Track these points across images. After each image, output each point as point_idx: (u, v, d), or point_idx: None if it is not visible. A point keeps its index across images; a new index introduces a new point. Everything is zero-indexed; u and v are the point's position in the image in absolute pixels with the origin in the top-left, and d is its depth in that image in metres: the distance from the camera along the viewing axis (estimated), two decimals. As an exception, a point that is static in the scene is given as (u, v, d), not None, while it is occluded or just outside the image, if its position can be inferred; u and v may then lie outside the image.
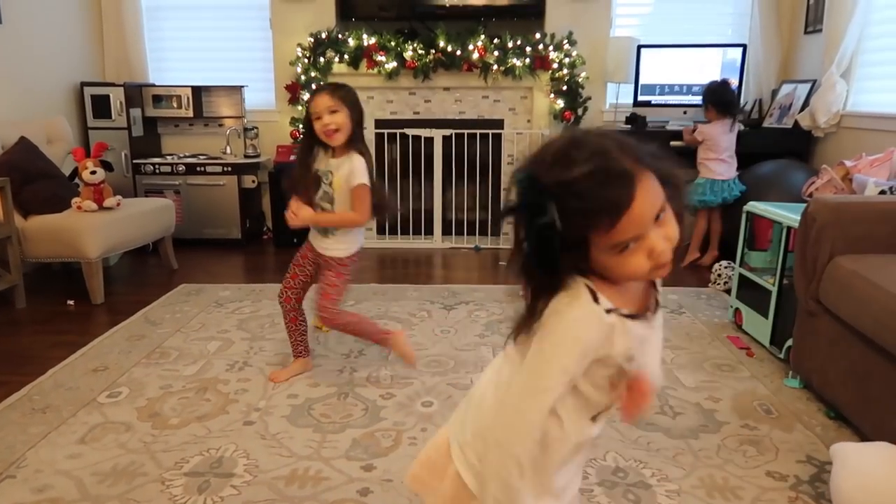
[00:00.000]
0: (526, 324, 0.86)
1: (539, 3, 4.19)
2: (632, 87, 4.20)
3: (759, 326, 2.56)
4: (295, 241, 4.21)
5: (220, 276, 3.63)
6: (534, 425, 0.87)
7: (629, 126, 4.13)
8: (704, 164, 3.69)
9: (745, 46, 4.12)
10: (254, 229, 4.49)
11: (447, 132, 4.26)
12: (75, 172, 3.28)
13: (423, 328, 2.80)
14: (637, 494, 1.63)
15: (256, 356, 2.51)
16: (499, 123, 4.38)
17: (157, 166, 4.23)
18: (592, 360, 0.85)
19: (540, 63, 4.12)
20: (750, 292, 2.67)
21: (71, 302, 3.15)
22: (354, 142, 2.14)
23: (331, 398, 2.16)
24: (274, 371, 2.34)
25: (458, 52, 4.09)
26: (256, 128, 4.42)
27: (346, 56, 4.15)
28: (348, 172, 2.11)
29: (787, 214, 2.38)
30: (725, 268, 3.32)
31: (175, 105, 4.38)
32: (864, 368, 1.81)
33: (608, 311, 0.83)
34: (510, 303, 0.91)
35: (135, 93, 4.29)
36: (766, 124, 4.08)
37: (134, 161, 4.23)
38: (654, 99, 4.20)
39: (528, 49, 4.09)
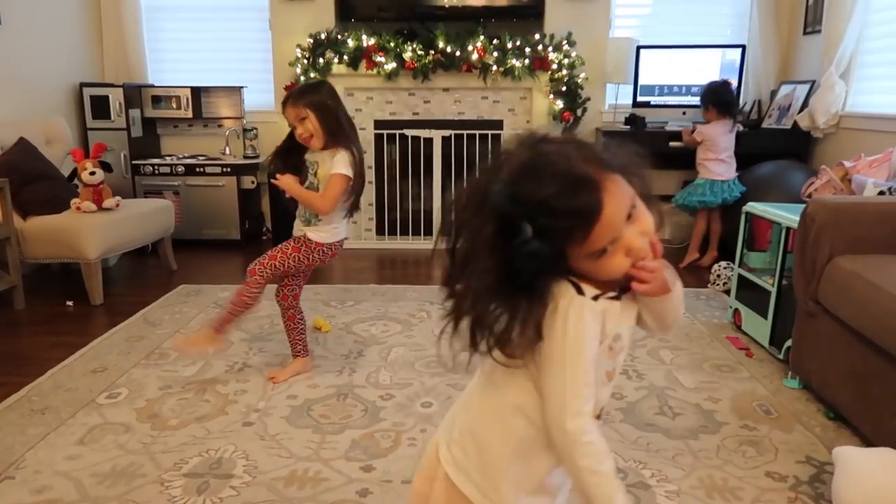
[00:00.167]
0: (516, 337, 0.84)
1: (538, 4, 4.19)
2: (631, 87, 4.20)
3: (759, 327, 2.56)
4: (294, 241, 4.23)
5: (220, 277, 3.63)
6: (579, 427, 0.85)
7: (628, 127, 4.13)
8: (703, 164, 3.69)
9: (744, 47, 4.12)
10: (253, 230, 4.49)
11: (446, 133, 4.26)
12: (74, 173, 3.28)
13: (423, 329, 2.80)
14: (636, 495, 1.63)
15: (256, 357, 2.51)
16: (498, 124, 4.38)
17: (156, 167, 4.23)
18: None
19: (539, 64, 4.12)
20: (749, 293, 2.67)
21: (70, 303, 3.15)
22: (336, 138, 2.14)
23: (330, 399, 2.16)
24: (273, 371, 2.34)
25: (458, 53, 4.09)
26: (256, 129, 4.42)
27: (345, 57, 4.15)
28: (331, 164, 2.14)
29: (787, 215, 2.38)
30: (725, 268, 3.32)
31: (174, 106, 4.38)
32: (864, 369, 1.81)
33: (595, 298, 0.84)
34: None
35: (134, 93, 4.29)
36: (765, 125, 4.08)
37: (133, 162, 4.23)
38: (654, 100, 4.20)
39: (528, 50, 4.09)
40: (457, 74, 4.19)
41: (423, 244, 4.39)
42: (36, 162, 3.32)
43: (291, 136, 2.20)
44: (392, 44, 4.11)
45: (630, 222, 0.81)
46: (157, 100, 4.37)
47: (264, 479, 1.71)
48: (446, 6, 4.15)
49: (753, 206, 2.68)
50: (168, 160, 4.29)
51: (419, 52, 4.11)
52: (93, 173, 3.24)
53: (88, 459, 1.79)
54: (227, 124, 4.51)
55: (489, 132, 4.31)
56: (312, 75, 4.15)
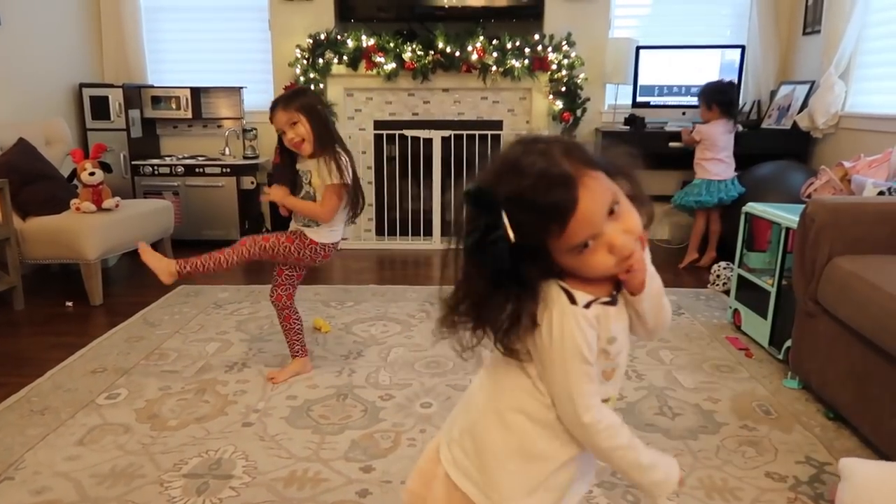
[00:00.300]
0: (511, 336, 0.87)
1: (538, 5, 4.19)
2: (630, 88, 4.20)
3: (758, 327, 2.56)
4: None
5: (219, 278, 3.62)
6: (592, 418, 0.88)
7: (628, 127, 4.13)
8: (701, 164, 3.69)
9: (743, 47, 4.13)
10: (253, 230, 4.48)
11: (446, 133, 4.26)
12: (74, 174, 3.27)
13: (423, 329, 2.80)
14: (636, 495, 1.63)
15: (255, 357, 2.51)
16: (498, 125, 4.39)
17: (155, 167, 4.23)
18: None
19: (539, 64, 4.12)
20: (749, 293, 2.67)
21: (69, 303, 3.15)
22: (326, 143, 2.14)
23: (330, 399, 2.16)
24: (272, 371, 2.33)
25: (457, 54, 4.10)
26: (255, 129, 4.41)
27: (344, 57, 4.15)
28: (326, 172, 2.13)
29: (786, 215, 2.38)
30: (724, 269, 3.32)
31: (174, 106, 4.38)
32: (863, 369, 1.81)
33: (587, 306, 0.86)
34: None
35: (133, 94, 4.29)
36: (764, 125, 4.08)
37: (133, 162, 4.23)
38: (653, 100, 4.21)
39: (527, 50, 4.09)
40: (456, 75, 4.19)
41: (422, 245, 4.39)
42: (35, 162, 3.32)
43: (281, 149, 2.19)
44: (392, 44, 4.11)
45: (613, 220, 0.82)
46: (156, 100, 4.38)
47: (264, 479, 1.71)
48: (446, 6, 4.15)
49: (753, 207, 2.68)
50: (167, 161, 4.29)
51: (419, 53, 4.11)
52: (92, 174, 3.23)
53: (88, 460, 1.79)
54: (227, 125, 4.52)
55: (489, 132, 4.31)
56: (312, 76, 4.15)
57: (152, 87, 4.45)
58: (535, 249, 0.81)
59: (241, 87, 4.46)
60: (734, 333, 2.73)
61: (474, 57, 4.09)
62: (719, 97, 3.63)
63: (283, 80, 4.33)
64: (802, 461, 1.79)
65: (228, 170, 4.23)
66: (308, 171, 2.18)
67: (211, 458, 1.80)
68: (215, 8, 4.49)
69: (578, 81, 4.14)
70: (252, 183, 4.32)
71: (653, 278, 0.91)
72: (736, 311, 2.77)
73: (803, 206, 2.16)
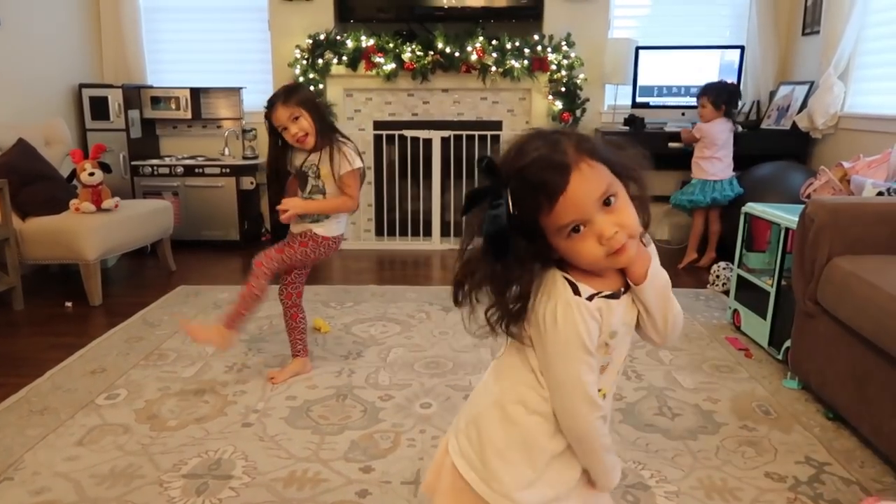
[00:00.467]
0: (513, 321, 0.90)
1: (537, 5, 4.19)
2: (630, 88, 4.20)
3: (758, 327, 2.57)
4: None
5: (219, 278, 3.63)
6: (591, 403, 0.91)
7: (627, 127, 4.14)
8: (698, 162, 3.69)
9: (742, 48, 4.13)
10: (252, 231, 4.49)
11: (446, 134, 4.26)
12: (73, 174, 3.27)
13: (422, 329, 2.80)
14: (636, 496, 1.63)
15: (255, 358, 2.50)
16: (497, 125, 4.39)
17: (155, 168, 4.23)
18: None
19: (538, 64, 4.12)
20: (748, 293, 2.67)
21: (69, 304, 3.15)
22: (327, 134, 2.15)
23: (329, 400, 2.16)
24: (272, 371, 2.33)
25: (457, 54, 4.10)
26: (255, 129, 4.41)
27: (344, 57, 4.15)
28: (337, 162, 2.14)
29: (786, 216, 2.38)
30: (724, 269, 3.32)
31: (173, 107, 4.38)
32: (863, 369, 1.81)
33: (590, 298, 0.88)
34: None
35: (133, 94, 4.29)
36: (764, 126, 4.08)
37: (132, 163, 4.23)
38: (653, 100, 4.21)
39: (527, 51, 4.09)
40: (456, 75, 4.19)
41: (422, 245, 4.39)
42: (35, 163, 3.32)
43: (276, 152, 2.18)
44: (391, 44, 4.11)
45: (607, 212, 0.85)
46: (156, 101, 4.37)
47: (263, 479, 1.70)
48: (445, 7, 4.15)
49: (752, 207, 2.68)
50: (167, 161, 4.29)
51: (418, 53, 4.11)
52: (92, 174, 3.23)
53: (87, 460, 1.79)
54: (227, 125, 4.52)
55: (488, 133, 4.31)
56: (311, 76, 4.15)
57: (152, 87, 4.45)
58: (531, 227, 0.85)
59: (241, 88, 4.46)
60: (734, 334, 2.73)
61: (474, 57, 4.09)
62: (727, 97, 3.63)
63: (283, 80, 4.32)
64: (802, 461, 1.79)
65: (228, 170, 4.23)
66: (314, 164, 2.17)
67: (210, 458, 1.80)
68: (215, 8, 4.49)
69: (578, 82, 4.14)
70: (251, 183, 4.32)
71: (657, 273, 0.92)
72: (735, 312, 2.77)
73: (803, 206, 2.16)
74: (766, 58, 4.19)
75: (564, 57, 4.11)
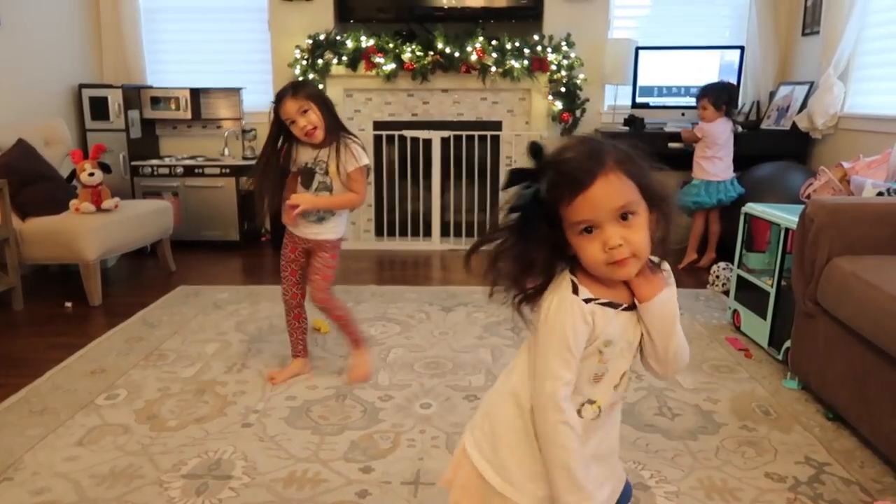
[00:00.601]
0: (526, 302, 0.95)
1: (537, 5, 4.19)
2: (630, 88, 4.20)
3: (758, 328, 2.57)
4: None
5: (219, 278, 3.63)
6: (555, 405, 0.93)
7: (627, 128, 4.14)
8: (699, 162, 3.69)
9: (742, 48, 4.13)
10: (252, 231, 4.49)
11: (445, 134, 4.26)
12: (73, 174, 3.27)
13: (422, 330, 2.80)
14: (636, 496, 1.63)
15: (254, 358, 2.50)
16: (497, 125, 4.39)
17: (155, 168, 4.23)
18: (585, 345, 0.93)
19: (538, 65, 4.12)
20: (748, 294, 2.67)
21: (69, 304, 3.15)
22: (335, 130, 2.15)
23: (329, 400, 2.16)
24: (272, 372, 2.33)
25: (457, 54, 4.10)
26: (255, 130, 4.41)
27: (344, 58, 4.15)
28: (345, 159, 2.14)
29: (785, 216, 2.38)
30: (724, 269, 3.32)
31: (173, 107, 4.38)
32: (863, 369, 1.81)
33: (587, 301, 0.92)
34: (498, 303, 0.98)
35: (133, 95, 4.29)
36: (763, 126, 4.08)
37: (132, 163, 4.23)
38: (653, 101, 4.21)
39: (527, 51, 4.09)
40: (456, 75, 4.19)
41: (422, 245, 4.39)
42: (35, 163, 3.32)
43: (272, 147, 2.16)
44: (391, 45, 4.12)
45: (621, 225, 0.88)
46: (155, 101, 4.37)
47: (263, 480, 1.70)
48: (445, 7, 4.16)
49: (752, 207, 2.68)
50: (167, 161, 4.29)
51: (418, 53, 4.11)
52: (92, 174, 3.23)
53: (87, 461, 1.79)
54: (226, 125, 4.52)
55: (488, 133, 4.31)
56: (311, 76, 4.15)
57: (151, 87, 4.45)
58: (553, 214, 0.90)
59: (241, 88, 4.46)
60: (733, 334, 2.73)
61: (473, 57, 4.09)
62: (727, 97, 3.63)
63: (283, 80, 4.27)
64: (802, 461, 1.79)
65: (228, 170, 4.23)
66: (322, 161, 2.16)
67: (210, 458, 1.80)
68: (214, 9, 4.49)
69: (578, 82, 4.14)
70: (251, 184, 4.31)
71: (667, 300, 0.94)
72: (735, 312, 2.77)
73: (802, 206, 2.16)
74: (766, 58, 4.19)
75: (564, 57, 4.11)
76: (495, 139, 4.34)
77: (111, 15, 4.39)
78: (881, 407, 1.72)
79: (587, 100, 4.19)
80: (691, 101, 3.97)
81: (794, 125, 3.83)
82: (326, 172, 2.17)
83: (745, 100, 4.26)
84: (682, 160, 3.83)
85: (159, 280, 3.60)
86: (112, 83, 4.34)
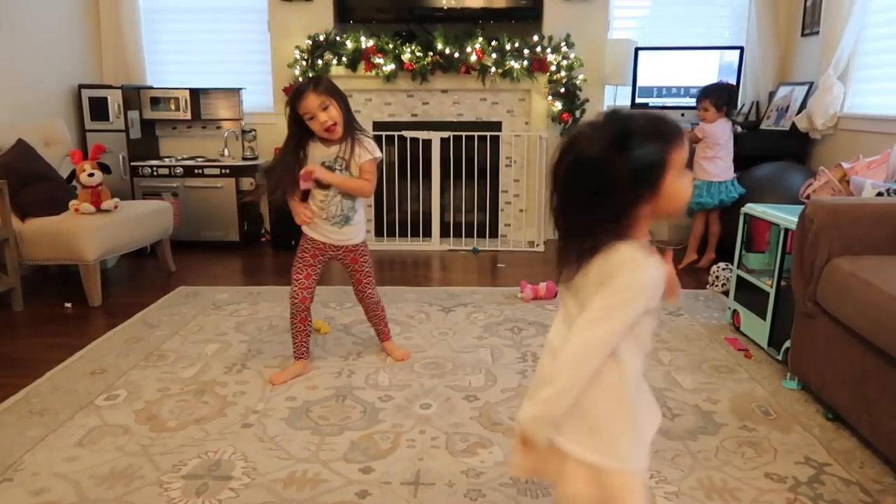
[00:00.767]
0: (583, 262, 1.00)
1: (537, 6, 4.20)
2: (629, 89, 4.21)
3: (757, 328, 2.57)
4: (293, 243, 4.22)
5: (218, 279, 3.63)
6: (601, 353, 0.98)
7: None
8: (700, 163, 3.69)
9: (742, 49, 4.13)
10: (252, 232, 4.49)
11: (445, 134, 4.26)
12: (73, 175, 3.27)
13: (422, 330, 2.80)
14: (636, 496, 1.63)
15: (254, 359, 2.50)
16: (497, 126, 4.39)
17: (154, 168, 4.23)
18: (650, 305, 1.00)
19: (538, 65, 4.13)
20: (748, 294, 2.67)
21: (68, 304, 3.15)
22: (351, 125, 2.17)
23: (329, 400, 2.16)
24: (273, 374, 2.33)
25: (456, 55, 4.10)
26: (254, 130, 4.42)
27: (343, 58, 4.15)
28: (358, 153, 2.17)
29: (785, 216, 2.38)
30: (723, 270, 3.32)
31: (173, 107, 4.38)
32: (862, 370, 1.81)
33: None
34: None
35: (132, 95, 4.29)
36: (763, 126, 4.09)
37: (132, 163, 4.23)
38: (652, 101, 4.21)
39: (526, 51, 4.10)
40: (455, 76, 4.20)
41: (421, 245, 4.39)
42: (34, 163, 3.32)
43: (294, 140, 2.17)
44: (391, 45, 4.12)
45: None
46: (155, 101, 4.38)
47: (263, 480, 1.70)
48: (445, 8, 4.16)
49: (752, 208, 2.69)
50: (167, 162, 4.29)
51: (418, 54, 4.12)
52: (91, 175, 3.24)
53: (87, 461, 1.79)
54: (226, 126, 4.52)
55: (488, 134, 4.32)
56: (311, 77, 4.15)
57: (151, 88, 4.45)
58: (663, 166, 0.97)
59: (240, 89, 4.46)
60: (733, 334, 2.73)
61: (473, 58, 4.09)
62: (727, 98, 3.64)
63: (283, 81, 4.33)
64: (802, 462, 1.79)
65: (227, 171, 4.23)
66: (340, 156, 2.17)
67: (210, 459, 1.80)
68: (214, 9, 4.49)
69: (577, 82, 4.15)
70: (251, 184, 4.32)
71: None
72: (735, 312, 2.77)
73: (802, 206, 2.16)
74: (766, 58, 4.19)
75: (564, 58, 4.12)
76: (495, 140, 4.34)
77: (111, 15, 4.39)
78: (881, 407, 1.73)
79: (587, 100, 4.19)
80: (691, 102, 3.97)
81: (793, 125, 3.83)
82: (346, 167, 2.19)
83: (744, 100, 4.26)
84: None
85: (159, 280, 3.60)
86: (112, 83, 4.34)
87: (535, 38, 4.12)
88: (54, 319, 2.99)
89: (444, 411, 2.08)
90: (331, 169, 2.18)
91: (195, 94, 4.40)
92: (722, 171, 3.65)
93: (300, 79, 4.17)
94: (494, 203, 4.50)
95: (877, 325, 1.71)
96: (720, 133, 3.62)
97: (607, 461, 1.03)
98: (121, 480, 1.70)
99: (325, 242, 2.27)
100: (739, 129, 3.85)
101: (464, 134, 4.28)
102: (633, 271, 0.97)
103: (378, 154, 2.22)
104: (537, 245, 4.34)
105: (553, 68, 4.12)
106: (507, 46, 4.10)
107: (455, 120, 4.38)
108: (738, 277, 2.75)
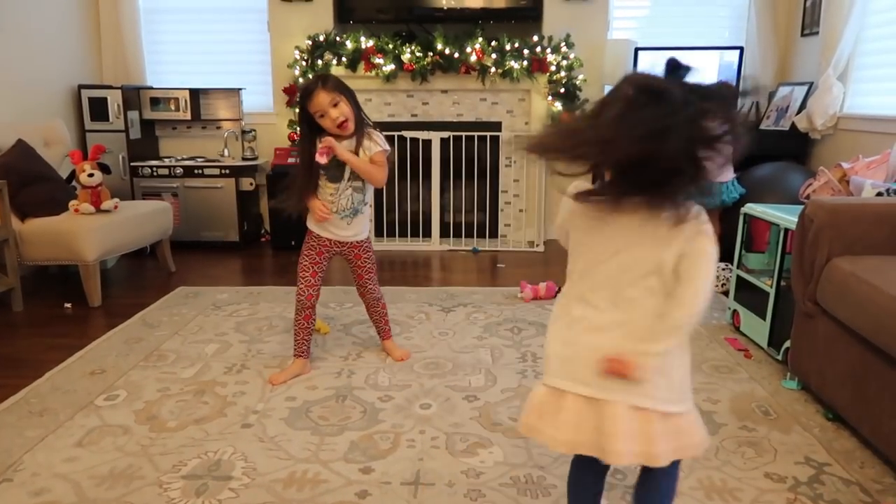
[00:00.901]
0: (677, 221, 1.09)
1: (536, 6, 4.20)
2: (629, 89, 4.20)
3: (757, 328, 2.57)
4: (293, 243, 4.23)
5: (218, 279, 3.63)
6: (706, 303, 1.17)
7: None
8: None
9: (741, 49, 4.13)
10: (251, 232, 4.49)
11: (445, 134, 4.26)
12: (73, 175, 3.27)
13: (422, 330, 2.80)
14: (636, 496, 1.63)
15: (254, 359, 2.50)
16: (496, 126, 4.39)
17: (154, 169, 4.23)
18: None
19: (537, 65, 4.13)
20: (748, 294, 2.67)
21: (68, 305, 3.15)
22: (362, 121, 2.21)
23: (329, 400, 2.16)
24: (273, 374, 2.33)
25: (456, 55, 4.10)
26: (254, 130, 4.42)
27: (343, 58, 4.15)
28: (369, 146, 2.19)
29: (785, 216, 2.38)
30: (723, 270, 3.32)
31: (173, 107, 4.38)
32: (862, 370, 1.81)
33: None
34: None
35: (132, 95, 4.29)
36: (763, 126, 4.09)
37: (131, 164, 4.23)
38: (652, 101, 4.20)
39: (526, 51, 4.10)
40: (455, 76, 4.20)
41: (421, 246, 4.39)
42: (34, 164, 3.32)
43: (307, 139, 2.18)
44: (390, 45, 4.12)
45: None
46: (155, 101, 4.38)
47: (263, 480, 1.70)
48: (444, 8, 4.16)
49: (752, 208, 2.69)
50: (166, 162, 4.29)
51: (418, 54, 4.12)
52: (91, 175, 3.24)
53: (87, 461, 1.79)
54: (226, 126, 4.52)
55: (487, 134, 4.32)
56: (311, 77, 4.15)
57: (151, 88, 4.45)
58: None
59: (240, 89, 4.46)
60: (733, 334, 2.73)
61: (473, 58, 4.10)
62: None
63: (283, 81, 4.33)
64: (802, 462, 1.79)
65: (227, 171, 4.23)
66: (352, 150, 2.19)
67: (210, 459, 1.80)
68: (214, 9, 4.49)
69: (577, 83, 4.15)
70: (251, 184, 4.33)
71: None
72: (735, 312, 2.77)
73: (802, 207, 2.16)
74: (766, 58, 4.19)
75: (564, 58, 4.12)
76: (495, 140, 4.34)
77: (111, 15, 4.39)
78: (881, 407, 1.72)
79: (587, 100, 4.19)
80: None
81: (793, 125, 3.83)
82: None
83: (744, 100, 4.26)
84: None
85: (159, 281, 3.60)
86: (111, 84, 4.34)
87: (535, 38, 4.12)
88: (54, 320, 2.99)
89: (444, 411, 2.08)
90: (341, 165, 2.20)
91: (195, 94, 4.40)
92: (720, 171, 3.64)
93: (300, 79, 4.18)
94: (494, 203, 4.50)
95: (877, 325, 1.71)
96: None
97: (680, 407, 1.19)
98: (121, 481, 1.70)
99: (331, 239, 2.29)
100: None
101: (463, 134, 4.28)
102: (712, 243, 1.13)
103: (387, 146, 2.23)
104: (537, 245, 4.34)
105: (553, 68, 4.12)
106: (507, 47, 4.10)
107: (455, 120, 4.39)
108: (738, 277, 2.75)
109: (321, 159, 2.12)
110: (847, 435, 1.92)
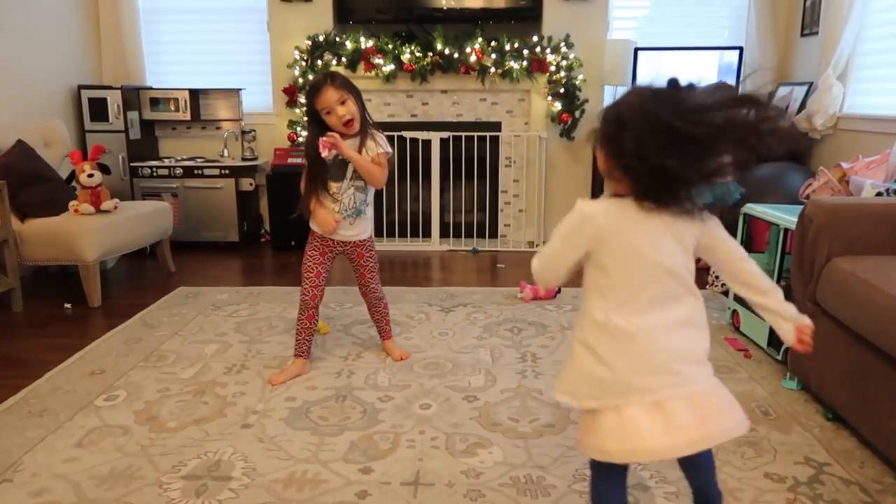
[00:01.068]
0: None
1: (536, 6, 4.20)
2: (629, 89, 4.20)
3: (757, 328, 2.57)
4: (292, 243, 4.23)
5: (218, 279, 3.63)
6: None
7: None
8: None
9: (741, 49, 4.13)
10: (251, 232, 4.49)
11: (445, 135, 4.26)
12: (72, 175, 3.28)
13: (421, 330, 2.80)
14: (635, 496, 1.63)
15: (254, 359, 2.50)
16: (496, 126, 4.39)
17: (154, 169, 4.23)
18: None
19: (537, 66, 4.13)
20: (747, 294, 2.66)
21: (68, 305, 3.15)
22: (366, 121, 2.21)
23: (329, 401, 2.16)
24: (273, 374, 2.33)
25: (456, 55, 4.10)
26: (254, 131, 4.42)
27: (343, 59, 4.15)
28: (371, 147, 2.19)
29: (785, 216, 2.38)
30: (723, 270, 3.31)
31: (172, 108, 4.38)
32: (862, 369, 1.81)
33: None
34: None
35: (132, 96, 4.29)
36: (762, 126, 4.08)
37: (131, 164, 4.23)
38: (652, 101, 4.20)
39: (526, 52, 4.10)
40: (455, 76, 4.20)
41: (421, 246, 4.39)
42: (34, 164, 3.32)
43: (313, 136, 2.17)
44: (390, 46, 4.12)
45: None
46: (155, 102, 4.38)
47: (263, 481, 1.70)
48: (444, 8, 4.16)
49: (751, 208, 2.69)
50: (166, 162, 4.29)
51: (417, 54, 4.12)
52: (91, 175, 3.24)
53: (87, 462, 1.79)
54: (226, 126, 4.52)
55: (487, 134, 4.32)
56: (311, 77, 4.15)
57: (151, 88, 4.45)
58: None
59: (240, 89, 4.46)
60: (733, 334, 2.73)
61: (473, 58, 4.10)
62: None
63: (282, 81, 4.33)
64: (801, 462, 1.79)
65: (227, 171, 4.23)
66: (355, 150, 2.19)
67: (210, 459, 1.80)
68: (213, 9, 4.49)
69: (577, 83, 4.15)
70: (251, 185, 4.32)
71: None
72: (735, 312, 2.77)
73: (802, 206, 2.16)
74: (765, 58, 4.19)
75: (563, 58, 4.12)
76: (494, 140, 4.34)
77: (110, 16, 4.39)
78: (881, 407, 1.72)
79: (586, 100, 4.19)
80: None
81: (793, 126, 3.83)
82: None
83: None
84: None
85: (159, 281, 3.60)
86: (111, 84, 4.34)
87: (535, 38, 4.12)
88: (54, 320, 2.99)
89: (443, 411, 2.08)
90: (343, 164, 2.20)
91: (195, 94, 4.40)
92: None
93: (300, 79, 4.18)
94: (494, 203, 4.50)
95: (877, 325, 1.71)
96: None
97: (712, 380, 1.24)
98: (120, 481, 1.70)
99: (334, 239, 2.29)
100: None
101: (463, 134, 4.28)
102: None
103: (389, 149, 2.24)
104: (537, 245, 4.34)
105: (552, 69, 4.12)
106: (507, 47, 4.10)
107: (454, 120, 4.39)
108: (738, 277, 2.74)
109: (324, 152, 2.12)
110: (847, 435, 1.92)
